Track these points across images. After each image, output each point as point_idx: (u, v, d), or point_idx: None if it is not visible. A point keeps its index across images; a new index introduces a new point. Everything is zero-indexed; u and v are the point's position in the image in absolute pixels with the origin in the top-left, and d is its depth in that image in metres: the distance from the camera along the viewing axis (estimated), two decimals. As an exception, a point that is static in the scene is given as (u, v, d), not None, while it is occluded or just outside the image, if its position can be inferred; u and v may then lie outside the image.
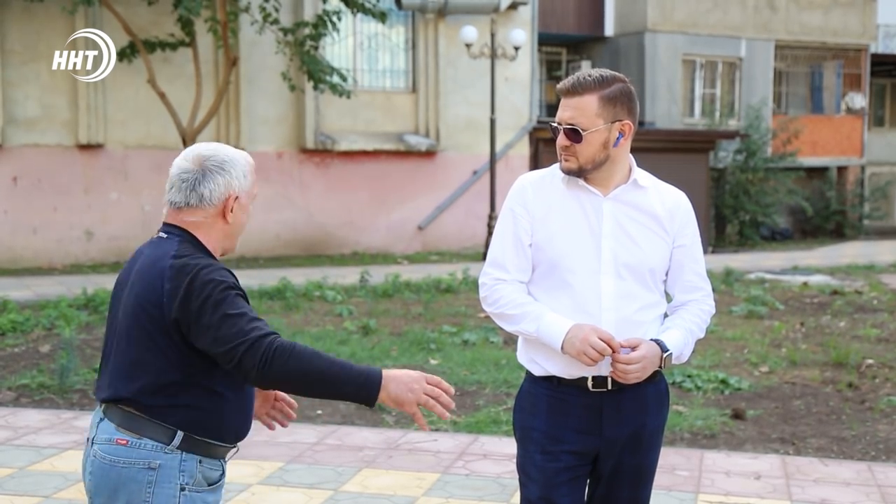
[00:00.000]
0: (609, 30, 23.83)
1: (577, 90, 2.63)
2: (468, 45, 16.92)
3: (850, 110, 26.07)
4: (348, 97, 15.19)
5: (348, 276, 13.56)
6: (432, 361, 8.10)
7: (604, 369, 2.66)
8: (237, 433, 2.47)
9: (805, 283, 13.85)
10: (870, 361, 8.16)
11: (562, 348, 2.61)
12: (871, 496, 4.85)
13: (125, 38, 14.47)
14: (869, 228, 26.76)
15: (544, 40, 22.39)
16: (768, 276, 14.96)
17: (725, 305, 11.55)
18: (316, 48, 14.92)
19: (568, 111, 2.64)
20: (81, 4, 13.54)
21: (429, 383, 2.34)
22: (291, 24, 15.04)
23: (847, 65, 25.97)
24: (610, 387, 2.68)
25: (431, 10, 17.98)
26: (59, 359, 7.39)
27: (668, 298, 2.85)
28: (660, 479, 5.05)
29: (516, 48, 17.39)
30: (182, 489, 2.35)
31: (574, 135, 2.62)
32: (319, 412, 6.54)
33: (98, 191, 15.90)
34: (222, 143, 12.52)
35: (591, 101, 2.62)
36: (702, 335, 2.80)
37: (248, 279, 13.12)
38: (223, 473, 2.47)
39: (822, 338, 9.42)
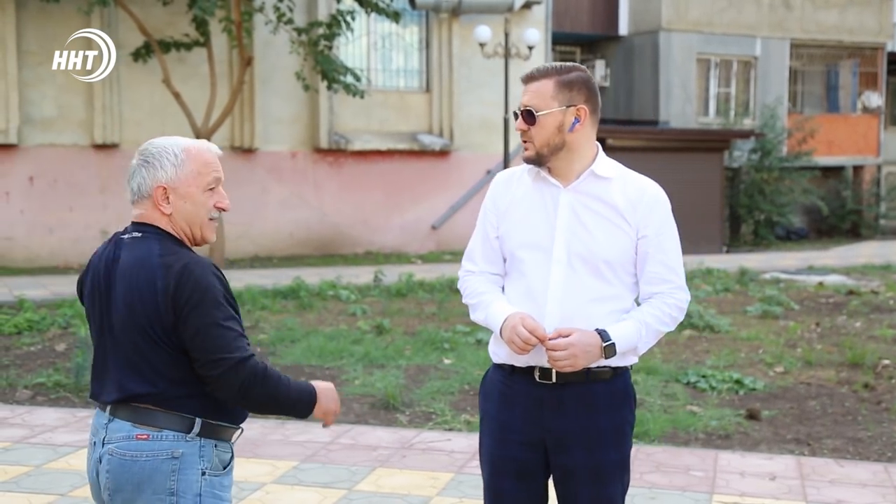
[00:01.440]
0: (623, 29, 23.78)
1: (535, 76, 2.70)
2: (482, 45, 16.91)
3: (866, 109, 25.93)
4: (362, 97, 15.20)
5: (362, 275, 13.58)
6: (446, 361, 8.10)
7: (547, 361, 2.67)
8: (243, 414, 2.54)
9: (821, 284, 13.79)
10: (886, 362, 8.12)
11: (501, 335, 2.68)
12: (887, 497, 4.82)
13: (140, 39, 14.53)
14: (885, 228, 26.59)
15: (558, 39, 22.36)
16: (783, 276, 14.89)
17: (740, 305, 11.51)
18: (330, 48, 14.95)
19: (526, 96, 2.70)
20: (97, 5, 13.60)
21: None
22: (305, 24, 15.07)
23: (863, 63, 25.83)
24: (555, 379, 2.69)
25: (445, 9, 17.98)
26: (75, 357, 7.42)
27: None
28: (674, 479, 5.04)
29: (530, 47, 17.36)
30: (203, 473, 2.43)
31: (528, 117, 2.67)
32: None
33: (113, 190, 15.97)
34: (236, 142, 12.55)
35: (547, 85, 2.67)
36: (666, 329, 2.74)
37: (261, 278, 13.15)
38: (233, 455, 2.55)
39: (837, 338, 9.37)
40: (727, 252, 20.80)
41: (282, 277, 13.03)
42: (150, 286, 2.38)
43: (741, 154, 23.12)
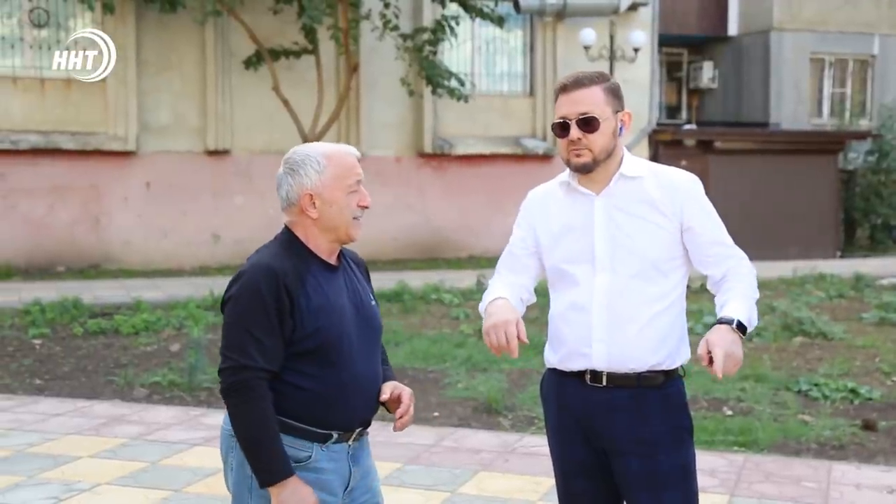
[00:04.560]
0: (733, 29, 23.23)
1: (583, 83, 2.70)
2: (587, 48, 16.77)
3: None
4: (466, 101, 15.26)
5: (465, 279, 13.62)
6: (549, 366, 8.06)
7: (599, 364, 2.69)
8: (322, 419, 2.56)
9: (942, 290, 13.19)
10: None
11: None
12: None
13: (251, 47, 14.93)
14: None
15: (665, 41, 21.99)
16: (902, 283, 14.30)
17: (855, 312, 11.12)
18: (434, 53, 15.06)
19: (577, 104, 2.68)
20: (211, 15, 14.06)
21: None
22: (411, 30, 15.22)
23: None
24: (605, 383, 2.71)
25: (550, 12, 17.90)
26: (188, 358, 7.67)
27: (695, 283, 2.81)
28: (784, 489, 4.90)
29: (636, 50, 17.15)
30: None
31: (589, 124, 2.66)
32: (436, 414, 6.60)
33: (224, 195, 16.43)
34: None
35: (598, 92, 2.69)
36: (757, 295, 2.73)
37: (367, 282, 13.30)
38: (312, 456, 2.55)
39: (961, 347, 8.96)
40: (841, 257, 20.10)
41: (386, 281, 13.16)
42: None
43: (857, 156, 22.31)
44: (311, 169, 2.59)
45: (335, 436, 2.59)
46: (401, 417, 2.70)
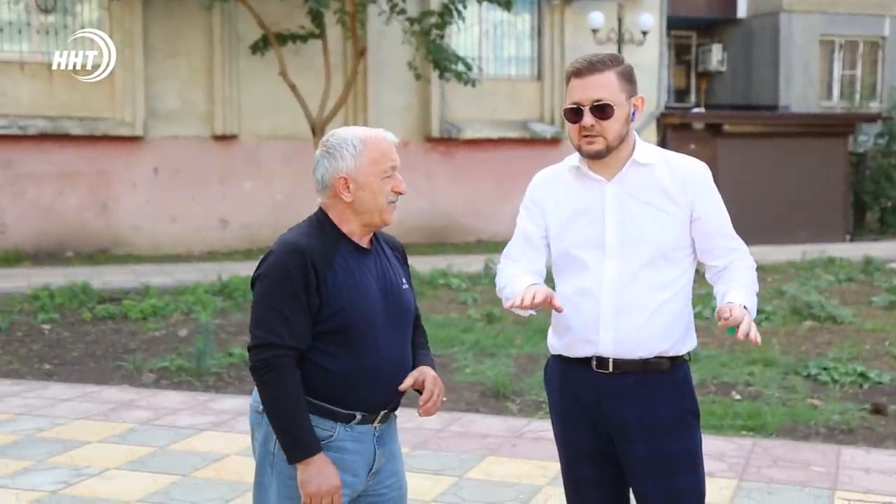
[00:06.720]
0: (742, 11, 23.10)
1: (597, 68, 2.64)
2: (595, 31, 16.70)
3: None
4: (473, 85, 15.21)
5: (473, 263, 13.61)
6: (557, 350, 8.06)
7: (605, 350, 2.68)
8: (345, 400, 2.56)
9: (953, 274, 13.14)
10: None
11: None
12: None
13: (258, 32, 14.88)
14: None
15: (673, 24, 21.87)
16: (912, 266, 14.25)
17: (865, 296, 11.08)
18: (442, 37, 15.00)
19: (591, 90, 2.63)
20: (217, 1, 14.01)
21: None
22: (418, 14, 15.16)
23: None
24: (611, 369, 2.69)
25: (557, -5, 17.81)
26: (196, 343, 7.68)
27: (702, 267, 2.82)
28: (793, 474, 4.89)
29: (644, 33, 17.07)
30: None
31: (603, 111, 2.62)
32: (444, 399, 6.59)
33: (232, 180, 16.44)
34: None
35: (612, 78, 2.64)
36: (756, 288, 2.74)
37: (375, 267, 13.29)
38: (335, 435, 2.56)
39: (971, 331, 8.92)
40: (851, 240, 20.03)
41: (394, 265, 13.17)
42: None
43: (867, 139, 22.20)
44: (347, 153, 2.58)
45: (358, 416, 2.59)
46: (424, 404, 2.69)
